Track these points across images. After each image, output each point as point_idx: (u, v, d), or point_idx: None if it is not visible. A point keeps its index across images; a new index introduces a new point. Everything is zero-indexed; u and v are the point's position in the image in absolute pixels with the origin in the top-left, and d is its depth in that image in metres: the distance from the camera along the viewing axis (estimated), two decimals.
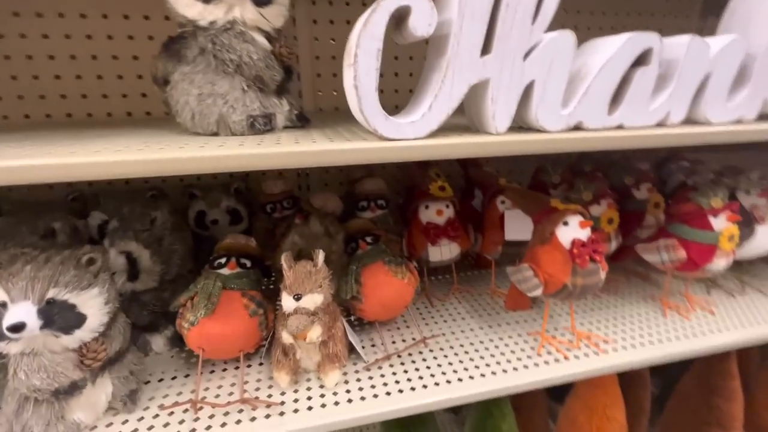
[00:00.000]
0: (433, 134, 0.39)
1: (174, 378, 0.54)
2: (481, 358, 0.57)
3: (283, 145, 0.36)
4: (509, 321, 0.67)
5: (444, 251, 0.69)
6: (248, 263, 0.55)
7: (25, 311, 0.39)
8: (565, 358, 0.56)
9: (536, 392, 0.78)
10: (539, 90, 0.40)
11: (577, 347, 0.59)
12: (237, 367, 0.55)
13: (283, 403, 0.49)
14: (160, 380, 0.54)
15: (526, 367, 0.55)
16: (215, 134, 0.42)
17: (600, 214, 0.70)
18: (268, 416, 0.48)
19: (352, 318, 0.66)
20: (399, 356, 0.58)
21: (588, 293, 0.56)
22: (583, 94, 0.41)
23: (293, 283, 0.48)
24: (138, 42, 0.72)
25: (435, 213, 0.67)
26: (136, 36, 0.71)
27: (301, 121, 0.49)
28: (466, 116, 0.45)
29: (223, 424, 0.46)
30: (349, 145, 0.36)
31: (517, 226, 0.66)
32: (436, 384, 0.53)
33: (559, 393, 0.77)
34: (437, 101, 0.37)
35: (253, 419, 0.47)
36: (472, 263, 0.89)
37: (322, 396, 0.51)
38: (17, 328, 0.38)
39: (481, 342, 0.61)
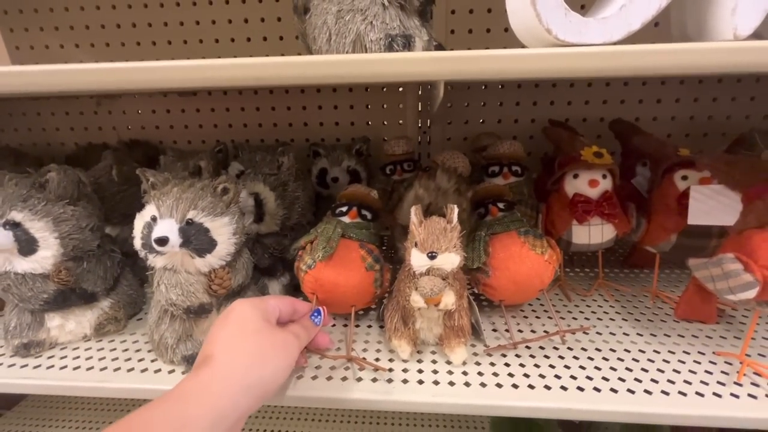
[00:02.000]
0: (628, 40, 0.28)
1: None
2: (644, 370, 0.44)
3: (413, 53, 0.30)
4: (682, 333, 0.50)
5: (593, 233, 0.55)
6: (369, 215, 0.51)
7: (169, 227, 0.41)
8: None
9: None
10: None
11: None
12: (345, 325, 0.53)
13: (391, 370, 0.44)
14: None
15: (717, 395, 0.40)
16: None
17: None
18: (374, 380, 0.43)
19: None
20: (528, 347, 0.48)
21: None
22: None
23: (426, 239, 0.41)
24: None
25: (587, 184, 0.54)
26: None
27: None
28: (672, 25, 0.32)
29: (329, 378, 0.43)
30: (509, 51, 0.28)
31: (708, 208, 0.49)
32: (579, 389, 0.41)
33: None
34: None
35: (359, 380, 0.43)
36: (621, 260, 0.72)
37: (435, 372, 0.44)
38: (162, 241, 0.40)
39: (642, 351, 0.47)
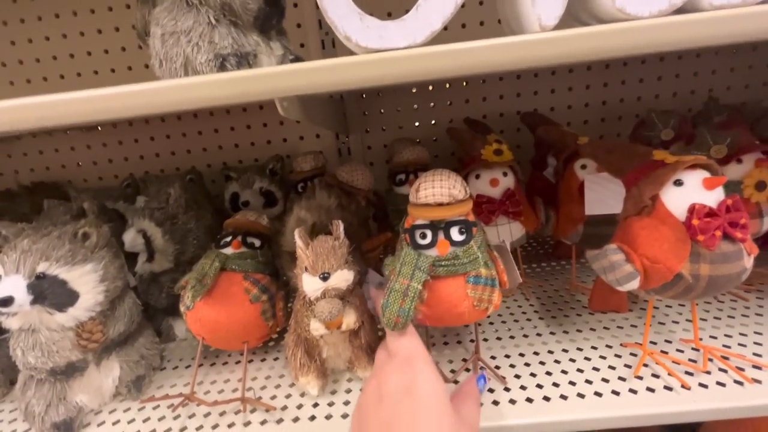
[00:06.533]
0: (436, 39, 0.26)
1: (188, 366, 0.50)
2: (548, 374, 0.42)
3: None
4: (595, 326, 0.49)
5: (502, 232, 0.54)
6: (257, 243, 0.48)
7: (13, 285, 0.37)
8: (684, 386, 0.38)
9: None
10: None
11: (703, 370, 0.39)
12: (250, 361, 0.49)
13: (285, 407, 0.41)
14: (175, 368, 0.51)
15: (615, 393, 0.38)
16: None
17: (743, 176, 0.47)
18: (264, 422, 0.40)
19: None
20: (437, 362, 0.46)
21: (721, 289, 0.36)
22: None
23: (316, 260, 0.39)
24: None
25: (489, 183, 0.53)
26: None
27: None
28: (502, 23, 0.31)
29: (215, 426, 0.40)
30: (305, 65, 0.26)
31: (603, 196, 0.48)
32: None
33: None
34: None
35: (247, 424, 0.40)
36: (550, 253, 0.71)
37: (347, 404, 0.41)
38: (5, 302, 0.36)
39: (551, 352, 0.45)
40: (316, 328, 0.40)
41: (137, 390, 0.45)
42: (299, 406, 0.41)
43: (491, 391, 0.40)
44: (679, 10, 0.26)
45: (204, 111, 0.77)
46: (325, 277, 0.39)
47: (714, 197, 0.36)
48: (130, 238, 0.51)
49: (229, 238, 0.47)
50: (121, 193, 0.72)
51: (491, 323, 0.52)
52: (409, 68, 0.25)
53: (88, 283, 0.41)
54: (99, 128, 0.78)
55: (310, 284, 0.39)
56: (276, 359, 0.50)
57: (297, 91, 0.27)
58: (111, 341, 0.44)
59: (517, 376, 0.42)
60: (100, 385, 0.44)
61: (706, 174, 0.36)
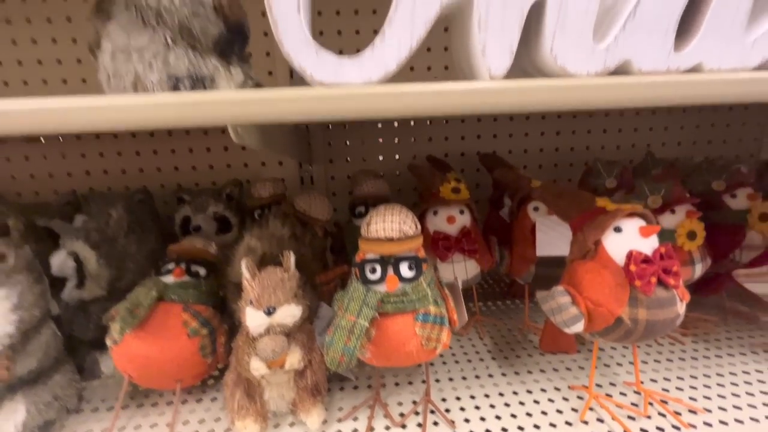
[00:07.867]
0: (391, 79, 0.27)
1: (111, 409, 0.45)
2: (497, 418, 0.41)
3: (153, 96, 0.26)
4: (545, 367, 0.49)
5: (458, 269, 0.54)
6: (202, 272, 0.45)
7: None
8: (626, 431, 0.38)
9: None
10: (554, 12, 0.26)
11: (644, 415, 0.40)
12: (184, 402, 0.45)
13: None
14: (95, 410, 0.45)
15: None
16: None
17: (675, 225, 0.51)
18: None
19: None
20: (386, 404, 0.44)
21: (658, 333, 0.38)
22: (629, 18, 0.27)
23: (262, 293, 0.37)
24: None
25: (445, 220, 0.54)
26: None
27: None
28: (456, 68, 0.32)
29: None
30: (256, 94, 0.26)
31: (554, 238, 0.50)
32: None
33: None
34: (392, 28, 0.26)
35: None
36: (505, 291, 0.72)
37: None
38: None
39: (501, 394, 0.45)
40: (257, 367, 0.38)
41: None
42: None
43: None
44: (613, 73, 0.28)
45: (161, 130, 0.74)
46: (270, 312, 0.37)
47: (649, 245, 0.38)
48: (59, 262, 0.47)
49: (171, 266, 0.44)
50: (58, 210, 0.67)
51: (444, 363, 0.51)
52: (362, 105, 0.26)
53: None
54: (42, 140, 0.73)
55: (253, 319, 0.37)
56: (214, 400, 0.46)
57: (246, 120, 0.27)
58: (17, 379, 0.38)
59: (467, 420, 0.41)
60: None
61: (642, 222, 0.38)
